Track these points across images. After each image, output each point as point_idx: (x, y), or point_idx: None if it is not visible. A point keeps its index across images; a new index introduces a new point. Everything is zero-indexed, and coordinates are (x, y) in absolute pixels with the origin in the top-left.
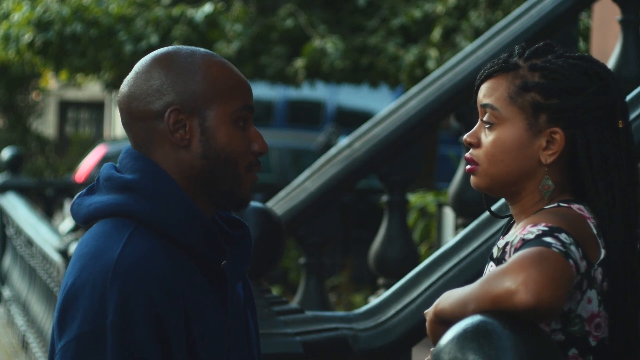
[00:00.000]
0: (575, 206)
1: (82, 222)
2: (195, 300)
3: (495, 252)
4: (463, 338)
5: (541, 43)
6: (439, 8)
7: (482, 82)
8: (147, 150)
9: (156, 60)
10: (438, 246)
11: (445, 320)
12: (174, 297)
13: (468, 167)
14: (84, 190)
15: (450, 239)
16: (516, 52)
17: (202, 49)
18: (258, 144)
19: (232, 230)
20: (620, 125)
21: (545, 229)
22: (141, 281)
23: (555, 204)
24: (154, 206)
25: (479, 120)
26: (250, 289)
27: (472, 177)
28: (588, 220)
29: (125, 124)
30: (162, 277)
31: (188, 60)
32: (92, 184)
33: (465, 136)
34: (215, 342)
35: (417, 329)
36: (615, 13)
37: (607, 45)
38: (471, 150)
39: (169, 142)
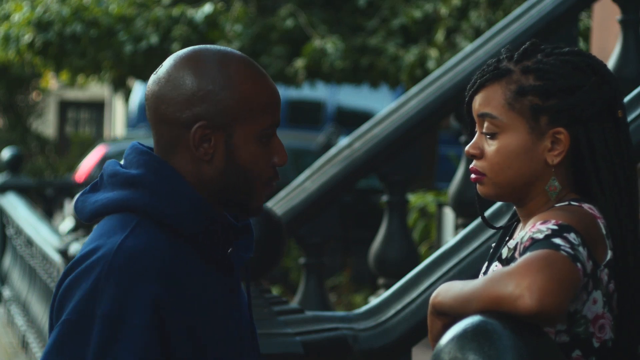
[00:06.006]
0: (586, 205)
1: (87, 220)
2: (200, 291)
3: (505, 252)
4: (463, 338)
5: (527, 43)
6: (443, 10)
7: (475, 92)
8: (169, 152)
9: (190, 65)
10: (438, 246)
11: (443, 313)
12: (174, 288)
13: (473, 176)
14: (87, 188)
15: (450, 239)
16: (504, 56)
17: (237, 55)
18: (279, 156)
19: (235, 221)
20: (620, 115)
21: (555, 227)
22: (137, 275)
23: (566, 202)
24: (158, 198)
25: (477, 131)
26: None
27: (478, 186)
28: (598, 220)
29: (151, 121)
30: (161, 268)
31: (223, 71)
32: (95, 181)
33: (467, 148)
34: (224, 333)
35: (417, 329)
36: (615, 13)
37: (607, 45)
38: (475, 161)
39: (191, 153)
